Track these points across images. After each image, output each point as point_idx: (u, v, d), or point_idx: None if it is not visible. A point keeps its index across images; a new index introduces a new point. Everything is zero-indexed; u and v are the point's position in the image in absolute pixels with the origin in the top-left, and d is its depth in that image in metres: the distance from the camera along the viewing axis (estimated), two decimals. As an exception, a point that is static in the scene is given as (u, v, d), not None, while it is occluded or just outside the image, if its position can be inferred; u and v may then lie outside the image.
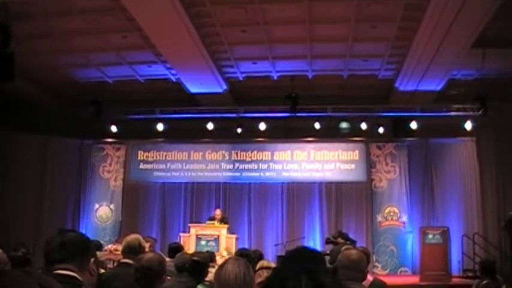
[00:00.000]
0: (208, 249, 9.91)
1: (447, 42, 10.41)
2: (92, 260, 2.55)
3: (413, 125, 14.06)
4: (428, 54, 11.19)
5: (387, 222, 14.51)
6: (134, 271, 3.91)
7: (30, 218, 14.41)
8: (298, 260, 1.28)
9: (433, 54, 11.11)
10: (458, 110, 13.65)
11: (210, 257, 6.43)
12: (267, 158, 15.23)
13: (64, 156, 15.53)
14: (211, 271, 4.67)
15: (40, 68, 13.17)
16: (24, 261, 4.64)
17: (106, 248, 12.77)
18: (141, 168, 15.71)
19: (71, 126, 14.73)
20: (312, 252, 2.62)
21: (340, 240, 11.00)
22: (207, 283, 4.95)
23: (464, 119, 13.73)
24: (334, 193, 14.91)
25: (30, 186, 14.75)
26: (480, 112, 13.20)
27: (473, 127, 13.77)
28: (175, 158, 15.56)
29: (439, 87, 13.38)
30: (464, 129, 13.84)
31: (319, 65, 13.01)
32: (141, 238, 4.79)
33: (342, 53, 12.28)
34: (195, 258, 5.19)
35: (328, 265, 5.40)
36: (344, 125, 14.34)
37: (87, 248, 2.59)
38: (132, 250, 4.67)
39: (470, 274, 12.61)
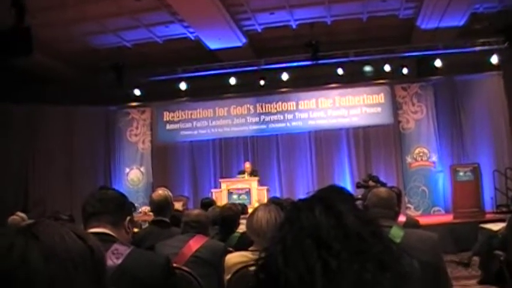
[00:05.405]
0: (240, 202, 9.99)
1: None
2: (128, 218, 2.61)
3: (438, 63, 13.82)
4: (448, -12, 10.92)
5: (417, 163, 14.43)
6: (183, 225, 4.18)
7: (63, 189, 14.66)
8: (316, 193, 1.23)
9: (453, -12, 10.84)
10: (483, 44, 13.32)
11: (242, 208, 6.52)
12: (292, 108, 15.16)
13: (91, 124, 15.69)
14: (243, 222, 4.75)
15: (57, 39, 13.16)
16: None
17: (140, 210, 13.01)
18: (168, 129, 15.82)
19: (95, 94, 14.82)
20: (333, 186, 2.61)
21: (371, 183, 11.00)
22: (238, 234, 5.03)
23: (490, 53, 13.42)
24: (361, 138, 14.83)
25: (60, 158, 14.97)
26: (506, 45, 12.88)
27: (500, 61, 13.46)
28: (201, 116, 15.61)
29: (461, 23, 13.05)
30: (490, 63, 13.56)
31: (338, 9, 12.77)
32: (167, 193, 4.79)
33: (360, -5, 12.06)
34: (224, 214, 5.27)
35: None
36: (367, 68, 14.17)
37: (123, 204, 2.66)
38: (163, 209, 4.73)
39: (504, 209, 12.52)
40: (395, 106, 14.74)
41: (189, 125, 15.69)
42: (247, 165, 13.26)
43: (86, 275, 1.10)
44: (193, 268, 3.60)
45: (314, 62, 13.45)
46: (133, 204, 10.02)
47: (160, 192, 4.81)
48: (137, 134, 16.00)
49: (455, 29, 13.28)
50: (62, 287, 1.06)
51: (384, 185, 10.54)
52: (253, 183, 12.41)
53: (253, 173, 12.91)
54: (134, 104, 15.92)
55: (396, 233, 2.98)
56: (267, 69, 14.25)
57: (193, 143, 15.72)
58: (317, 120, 15.03)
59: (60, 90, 14.40)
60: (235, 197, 12.13)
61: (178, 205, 10.78)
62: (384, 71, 14.08)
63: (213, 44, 13.81)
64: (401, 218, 5.27)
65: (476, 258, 8.55)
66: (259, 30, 13.68)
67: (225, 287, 3.37)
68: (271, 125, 15.25)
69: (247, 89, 15.02)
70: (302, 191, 14.29)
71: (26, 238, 1.09)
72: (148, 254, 2.63)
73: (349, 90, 14.92)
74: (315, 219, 1.00)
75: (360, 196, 9.06)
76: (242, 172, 13.14)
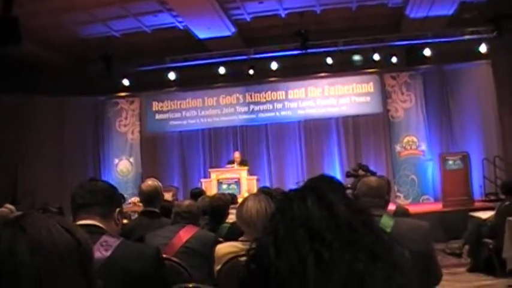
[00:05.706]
0: (230, 192, 9.97)
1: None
2: (118, 210, 2.60)
3: (427, 52, 13.83)
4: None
5: (406, 152, 14.47)
6: (174, 215, 4.17)
7: (53, 180, 14.55)
8: (307, 182, 1.22)
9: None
10: (472, 33, 13.36)
11: (232, 198, 6.50)
12: (281, 98, 15.14)
13: (80, 115, 15.58)
14: (232, 212, 4.74)
15: (46, 29, 13.02)
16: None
17: (130, 200, 12.98)
18: (157, 119, 15.75)
19: (83, 85, 14.72)
20: (323, 176, 2.60)
21: (360, 172, 11.01)
22: (228, 224, 5.04)
23: (479, 42, 13.45)
24: (351, 127, 14.85)
25: (50, 149, 14.88)
26: (495, 34, 12.93)
27: (488, 49, 13.49)
28: (190, 106, 15.54)
29: (450, 12, 13.07)
30: (479, 52, 13.58)
31: (327, -2, 12.77)
32: (157, 184, 4.77)
33: (349, -16, 12.03)
34: (213, 204, 5.27)
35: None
36: (356, 57, 14.19)
37: (113, 195, 2.65)
38: (153, 199, 4.71)
39: (492, 197, 12.60)
40: (385, 95, 14.76)
41: (178, 115, 15.63)
42: (237, 155, 13.25)
43: (73, 268, 1.09)
44: (183, 259, 3.59)
45: (303, 51, 13.43)
46: (122, 196, 10.02)
47: (150, 182, 4.78)
48: (126, 124, 15.92)
49: (444, 18, 13.29)
50: (48, 279, 1.05)
51: (373, 174, 10.56)
52: (242, 173, 12.39)
53: (242, 163, 12.89)
54: (123, 94, 15.82)
55: (386, 222, 2.98)
56: (256, 58, 14.21)
57: (183, 133, 15.66)
58: (306, 110, 15.00)
59: (50, 79, 14.27)
60: (224, 186, 12.10)
61: (168, 195, 10.77)
62: (373, 60, 14.06)
63: (202, 34, 13.74)
64: (391, 207, 5.28)
65: (466, 247, 8.60)
66: (248, 19, 13.62)
67: (215, 277, 3.36)
68: (261, 115, 15.22)
69: (237, 78, 14.98)
70: (292, 181, 14.30)
71: (14, 230, 1.08)
72: (137, 246, 2.62)
73: (339, 79, 14.91)
74: (307, 210, 0.99)
75: (349, 185, 9.09)
76: (231, 162, 13.11)
